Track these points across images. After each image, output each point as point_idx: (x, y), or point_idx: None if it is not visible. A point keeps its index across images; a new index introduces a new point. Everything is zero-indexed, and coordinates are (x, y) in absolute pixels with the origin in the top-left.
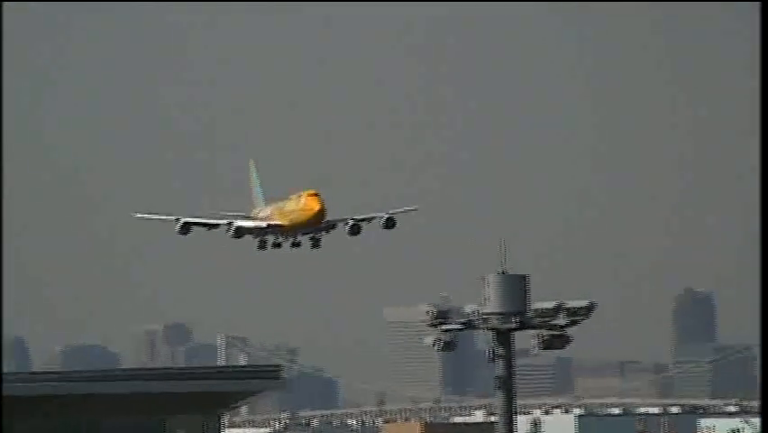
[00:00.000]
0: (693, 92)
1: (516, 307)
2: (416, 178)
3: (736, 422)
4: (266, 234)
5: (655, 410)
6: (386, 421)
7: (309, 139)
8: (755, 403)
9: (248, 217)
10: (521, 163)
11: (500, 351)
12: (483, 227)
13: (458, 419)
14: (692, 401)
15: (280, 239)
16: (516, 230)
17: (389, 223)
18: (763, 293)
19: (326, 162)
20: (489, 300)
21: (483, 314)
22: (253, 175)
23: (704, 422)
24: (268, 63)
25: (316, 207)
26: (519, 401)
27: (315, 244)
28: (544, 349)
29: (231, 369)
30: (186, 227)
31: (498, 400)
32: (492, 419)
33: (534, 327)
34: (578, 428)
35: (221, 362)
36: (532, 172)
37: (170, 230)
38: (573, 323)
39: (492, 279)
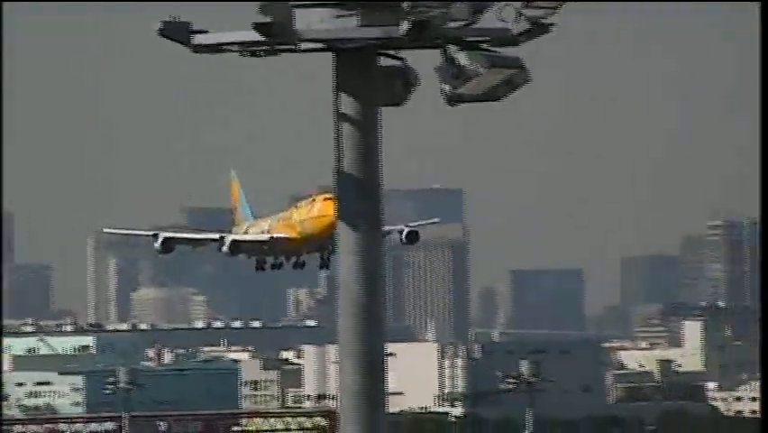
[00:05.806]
0: (691, 92)
1: None
2: None
3: (33, 341)
4: (265, 251)
5: None
6: None
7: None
8: (51, 322)
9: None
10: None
11: None
12: None
13: None
14: None
15: (281, 258)
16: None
17: (411, 236)
18: (762, 291)
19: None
20: None
21: None
22: (237, 186)
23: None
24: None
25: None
26: None
27: (325, 264)
28: None
29: None
30: (167, 244)
31: None
32: None
33: None
34: None
35: None
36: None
37: None
38: None
39: None
